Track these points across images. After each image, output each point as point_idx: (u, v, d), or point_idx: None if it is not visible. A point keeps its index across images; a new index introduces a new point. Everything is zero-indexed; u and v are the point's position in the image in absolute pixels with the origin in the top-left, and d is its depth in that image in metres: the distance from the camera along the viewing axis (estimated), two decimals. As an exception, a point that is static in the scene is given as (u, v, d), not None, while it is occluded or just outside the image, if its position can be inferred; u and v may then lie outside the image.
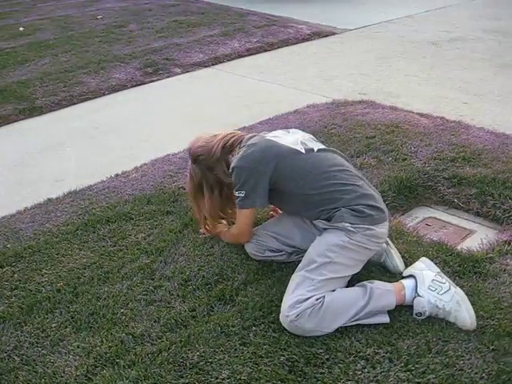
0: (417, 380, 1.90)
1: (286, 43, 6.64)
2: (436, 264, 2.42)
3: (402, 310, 2.19)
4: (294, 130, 2.54)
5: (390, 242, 2.50)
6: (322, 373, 1.94)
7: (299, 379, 1.92)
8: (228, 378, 1.94)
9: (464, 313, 2.11)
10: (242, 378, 1.93)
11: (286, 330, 2.11)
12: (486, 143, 3.58)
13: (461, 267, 2.45)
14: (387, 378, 1.91)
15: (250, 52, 6.35)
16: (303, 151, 2.32)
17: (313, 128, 3.91)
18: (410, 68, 5.54)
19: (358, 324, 2.13)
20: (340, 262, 2.18)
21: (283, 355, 2.02)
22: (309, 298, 2.09)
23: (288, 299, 2.13)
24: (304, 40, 6.78)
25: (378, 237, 2.25)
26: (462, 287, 2.29)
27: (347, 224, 2.19)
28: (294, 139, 2.37)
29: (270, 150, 2.30)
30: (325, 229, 2.28)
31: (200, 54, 6.23)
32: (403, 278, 2.29)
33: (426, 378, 1.91)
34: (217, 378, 1.94)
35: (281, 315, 2.14)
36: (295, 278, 2.20)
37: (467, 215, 3.02)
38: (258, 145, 2.33)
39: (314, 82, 5.30)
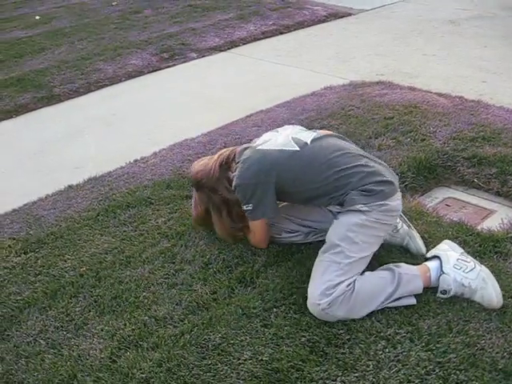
0: (438, 359, 1.91)
1: (301, 25, 6.59)
2: (456, 244, 2.42)
3: (423, 291, 2.18)
4: (283, 127, 2.51)
5: (411, 225, 2.49)
6: (343, 353, 1.96)
7: (320, 359, 1.94)
8: (250, 359, 1.96)
9: (490, 290, 2.10)
10: (264, 358, 1.96)
11: (306, 311, 2.13)
12: (505, 122, 3.54)
13: (481, 247, 2.44)
14: (408, 358, 1.92)
15: (266, 35, 6.31)
16: (297, 148, 2.28)
17: (330, 110, 3.90)
18: (428, 47, 5.47)
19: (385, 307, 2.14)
20: (362, 240, 2.16)
21: (304, 336, 2.03)
22: (338, 283, 2.08)
23: (317, 287, 2.11)
24: (320, 21, 6.72)
25: (393, 210, 2.23)
26: (482, 267, 2.29)
27: (360, 205, 2.17)
28: (284, 139, 2.34)
29: (266, 160, 2.28)
30: (339, 212, 2.26)
31: (216, 38, 6.21)
32: (426, 259, 2.29)
33: (447, 357, 1.91)
34: (239, 359, 1.97)
35: (310, 303, 2.12)
36: (320, 263, 2.18)
37: (487, 195, 3.00)
38: (251, 158, 2.30)
39: (330, 63, 5.26)
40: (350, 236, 2.16)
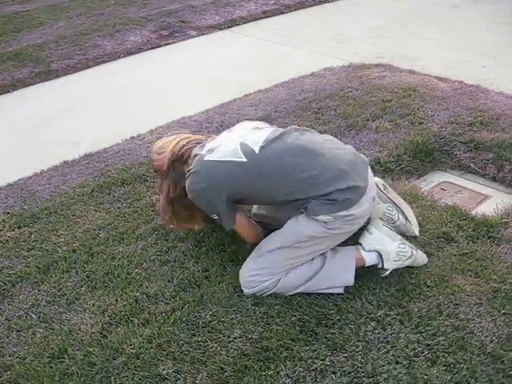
0: (427, 342, 1.92)
1: (302, 5, 6.53)
2: (450, 228, 2.43)
3: (414, 273, 2.19)
4: (238, 125, 2.36)
5: (408, 217, 2.39)
6: (332, 333, 1.97)
7: (310, 339, 1.95)
8: (240, 337, 1.97)
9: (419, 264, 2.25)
10: (254, 337, 1.97)
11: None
12: (504, 108, 3.52)
13: (475, 232, 2.44)
14: (397, 340, 1.93)
15: (267, 14, 6.27)
16: (244, 159, 2.06)
17: (329, 91, 3.88)
18: (429, 31, 5.43)
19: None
20: (309, 249, 2.11)
21: (294, 315, 2.04)
22: (263, 281, 2.11)
23: (244, 272, 2.16)
24: (321, 2, 6.65)
25: (358, 218, 2.08)
26: (475, 252, 2.30)
27: (321, 216, 2.02)
28: (233, 146, 2.12)
29: (212, 175, 2.10)
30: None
31: (216, 16, 6.16)
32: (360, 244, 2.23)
33: (436, 340, 1.92)
34: (229, 337, 1.97)
35: (240, 280, 2.17)
36: (260, 248, 2.16)
37: (483, 180, 2.99)
38: (199, 172, 2.12)
39: (331, 44, 5.22)
40: (297, 246, 2.09)
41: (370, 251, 2.18)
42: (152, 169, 2.44)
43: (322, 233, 2.05)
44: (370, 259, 2.18)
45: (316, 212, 2.03)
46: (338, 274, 2.13)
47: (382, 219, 2.38)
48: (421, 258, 2.24)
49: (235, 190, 2.12)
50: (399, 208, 2.42)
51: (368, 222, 2.25)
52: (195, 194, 2.15)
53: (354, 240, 2.24)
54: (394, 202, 2.41)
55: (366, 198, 2.08)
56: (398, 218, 2.38)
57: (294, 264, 2.12)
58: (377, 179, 2.41)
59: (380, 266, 2.17)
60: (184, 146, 2.27)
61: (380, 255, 2.17)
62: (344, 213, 2.02)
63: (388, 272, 2.17)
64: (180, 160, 2.24)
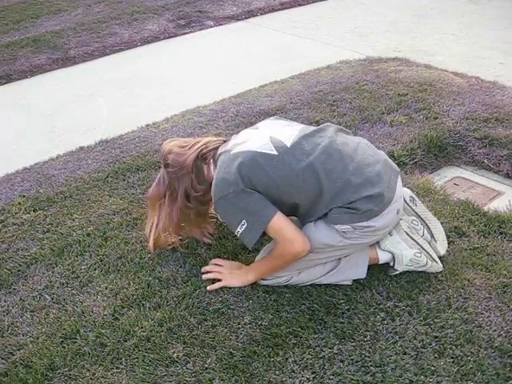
0: (435, 334, 1.93)
1: (321, -2, 6.51)
2: (461, 223, 2.43)
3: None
4: (263, 122, 2.27)
5: (434, 235, 2.27)
6: (341, 322, 1.98)
7: (319, 327, 1.97)
8: (249, 324, 1.99)
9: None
10: (263, 323, 1.99)
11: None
12: (520, 104, 3.51)
13: (486, 227, 2.44)
14: (406, 331, 1.94)
15: (284, 6, 6.25)
16: (275, 152, 1.98)
17: (344, 84, 3.88)
18: (447, 26, 5.40)
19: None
20: (324, 254, 2.08)
21: (304, 304, 2.06)
22: (279, 277, 2.12)
23: None
24: (340, -5, 6.63)
25: (378, 230, 2.03)
26: (486, 247, 2.30)
27: (339, 225, 1.97)
28: (262, 139, 2.04)
29: (241, 171, 1.97)
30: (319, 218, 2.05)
31: (233, 6, 6.16)
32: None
33: (444, 332, 1.93)
34: (239, 323, 2.00)
35: None
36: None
37: (497, 176, 2.98)
38: (225, 168, 2.01)
39: (347, 37, 5.22)
40: (312, 251, 2.04)
41: (384, 250, 2.17)
42: (163, 163, 2.22)
43: (338, 242, 2.01)
44: (383, 258, 2.18)
45: (335, 221, 1.97)
46: (351, 271, 2.14)
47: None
48: (436, 267, 2.17)
49: (258, 183, 1.97)
50: (425, 223, 2.29)
51: None
52: (221, 192, 2.00)
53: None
54: (419, 217, 2.28)
55: (390, 210, 2.02)
56: (423, 234, 2.26)
57: (307, 265, 2.11)
58: (405, 190, 2.29)
59: (392, 264, 2.18)
60: (209, 144, 2.17)
61: (393, 259, 2.17)
62: (364, 224, 1.97)
63: (397, 272, 2.17)
64: (203, 159, 2.16)
